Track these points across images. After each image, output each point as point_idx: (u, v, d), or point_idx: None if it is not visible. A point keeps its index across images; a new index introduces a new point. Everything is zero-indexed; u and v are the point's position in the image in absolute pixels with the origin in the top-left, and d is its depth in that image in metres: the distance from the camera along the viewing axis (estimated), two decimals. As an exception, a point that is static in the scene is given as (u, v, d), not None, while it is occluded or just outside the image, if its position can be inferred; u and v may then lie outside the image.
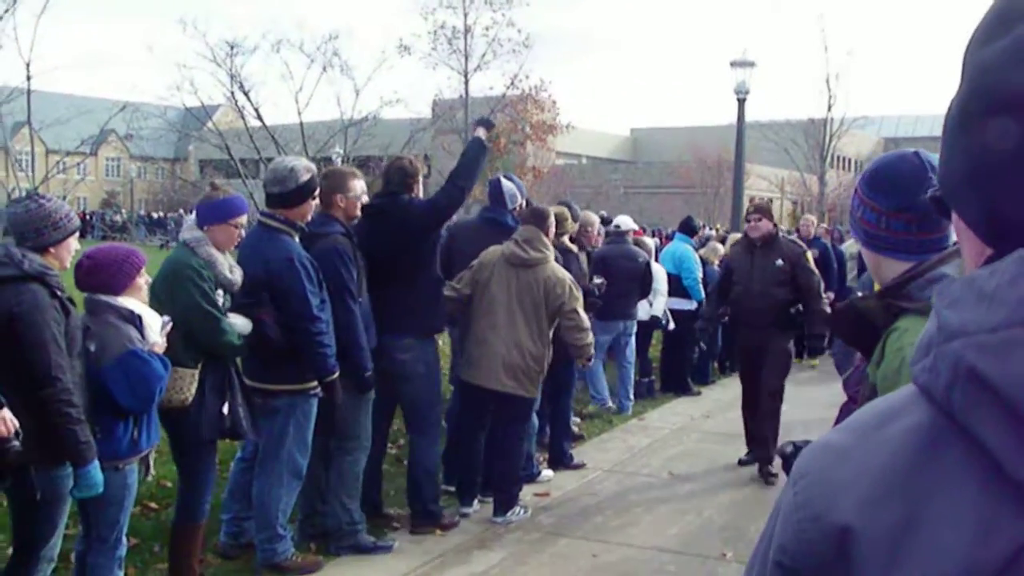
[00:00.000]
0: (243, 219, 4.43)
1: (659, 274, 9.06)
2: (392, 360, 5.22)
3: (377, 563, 5.06)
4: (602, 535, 5.62)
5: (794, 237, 8.60)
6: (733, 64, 18.18)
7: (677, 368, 10.02)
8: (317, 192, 4.76)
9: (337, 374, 4.68)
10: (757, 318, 6.84)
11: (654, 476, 6.93)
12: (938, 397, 0.67)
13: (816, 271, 7.08)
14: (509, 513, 5.74)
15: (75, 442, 3.36)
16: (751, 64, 18.23)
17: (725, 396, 9.69)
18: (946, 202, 0.78)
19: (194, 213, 4.46)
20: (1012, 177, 0.69)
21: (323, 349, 4.59)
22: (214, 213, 4.32)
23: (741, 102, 17.95)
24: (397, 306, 5.18)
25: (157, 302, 4.09)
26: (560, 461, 6.97)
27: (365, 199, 5.13)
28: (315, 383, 4.67)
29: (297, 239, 4.71)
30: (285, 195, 4.65)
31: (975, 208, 0.74)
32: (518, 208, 6.25)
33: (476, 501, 5.87)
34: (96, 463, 3.47)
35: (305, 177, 4.66)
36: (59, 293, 3.45)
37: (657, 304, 9.01)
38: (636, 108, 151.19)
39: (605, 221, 11.04)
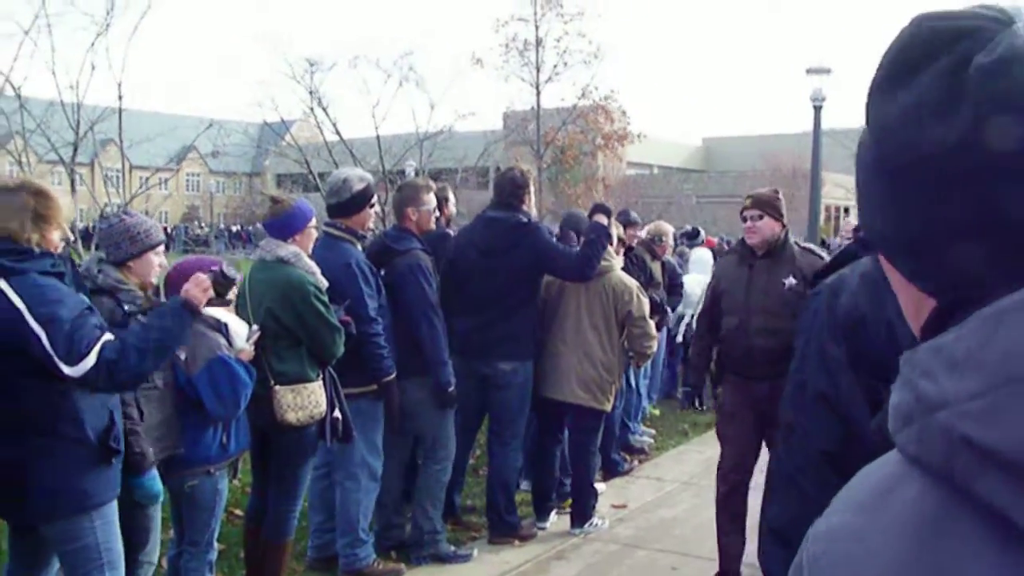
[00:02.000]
0: (315, 220, 4.55)
1: (686, 286, 8.92)
2: (493, 367, 5.31)
3: (456, 572, 5.12)
4: (681, 547, 5.59)
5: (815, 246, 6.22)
6: (809, 71, 17.94)
7: None
8: (373, 200, 4.87)
9: (394, 375, 4.75)
10: (754, 366, 4.62)
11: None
12: (935, 467, 0.63)
13: None
14: (587, 525, 5.75)
15: (130, 452, 3.41)
16: (827, 71, 17.97)
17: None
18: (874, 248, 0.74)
19: (266, 230, 4.48)
20: (956, 239, 0.65)
21: (379, 350, 4.68)
22: (293, 223, 4.39)
23: (817, 109, 17.70)
24: (501, 330, 5.27)
25: (272, 318, 4.18)
26: (611, 471, 6.99)
27: (453, 208, 5.25)
28: (374, 385, 4.76)
29: (359, 247, 4.83)
30: (342, 205, 4.78)
31: (913, 265, 0.72)
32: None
33: (553, 514, 5.88)
34: (152, 473, 3.54)
35: (359, 187, 4.77)
36: (125, 307, 3.54)
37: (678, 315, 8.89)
38: (708, 117, 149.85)
39: (691, 234, 11.03)
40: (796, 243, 4.83)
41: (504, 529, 5.56)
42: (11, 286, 3.01)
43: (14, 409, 3.10)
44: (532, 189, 5.51)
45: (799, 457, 1.34)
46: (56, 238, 3.20)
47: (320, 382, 4.32)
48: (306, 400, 4.22)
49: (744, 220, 4.74)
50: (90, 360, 3.01)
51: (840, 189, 41.54)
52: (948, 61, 0.65)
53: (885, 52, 0.70)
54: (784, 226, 4.76)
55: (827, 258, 5.71)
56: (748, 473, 4.78)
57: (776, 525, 1.37)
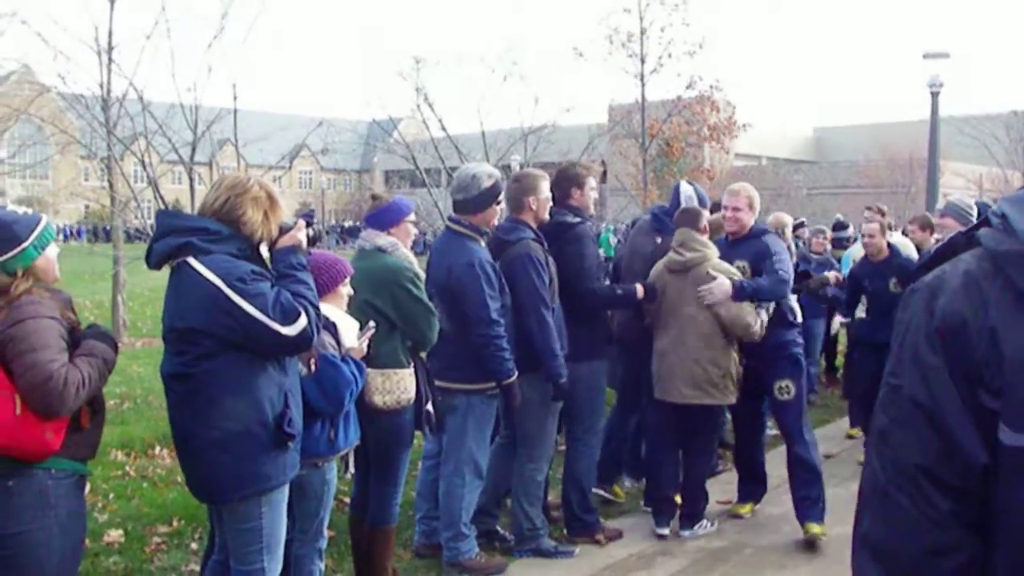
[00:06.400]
0: (413, 215, 4.62)
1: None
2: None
3: (560, 567, 5.14)
4: (789, 546, 5.49)
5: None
6: (926, 56, 17.31)
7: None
8: (501, 197, 4.87)
9: (515, 377, 4.75)
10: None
11: (841, 487, 6.68)
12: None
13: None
14: (696, 527, 5.66)
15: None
16: (945, 56, 17.31)
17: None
18: None
19: (366, 223, 4.64)
20: None
21: (500, 352, 4.67)
22: (391, 216, 4.50)
23: (935, 95, 17.05)
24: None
25: (368, 307, 4.26)
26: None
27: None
28: (493, 384, 4.78)
29: (483, 244, 4.83)
30: (469, 201, 4.80)
31: None
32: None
33: (672, 521, 5.66)
34: None
35: (488, 183, 4.79)
36: None
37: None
38: (820, 106, 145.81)
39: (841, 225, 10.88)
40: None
41: (578, 528, 5.48)
42: (203, 264, 3.21)
43: (197, 395, 3.27)
44: (588, 183, 5.36)
45: (892, 469, 1.28)
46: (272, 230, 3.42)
47: (411, 369, 4.38)
48: (394, 385, 4.29)
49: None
50: (303, 319, 3.23)
51: (959, 178, 39.93)
52: None
53: None
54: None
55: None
56: None
57: (871, 540, 1.31)
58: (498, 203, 4.87)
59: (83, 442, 3.22)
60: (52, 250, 3.25)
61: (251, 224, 3.35)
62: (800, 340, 5.83)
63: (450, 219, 4.95)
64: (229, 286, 3.17)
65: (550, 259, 5.04)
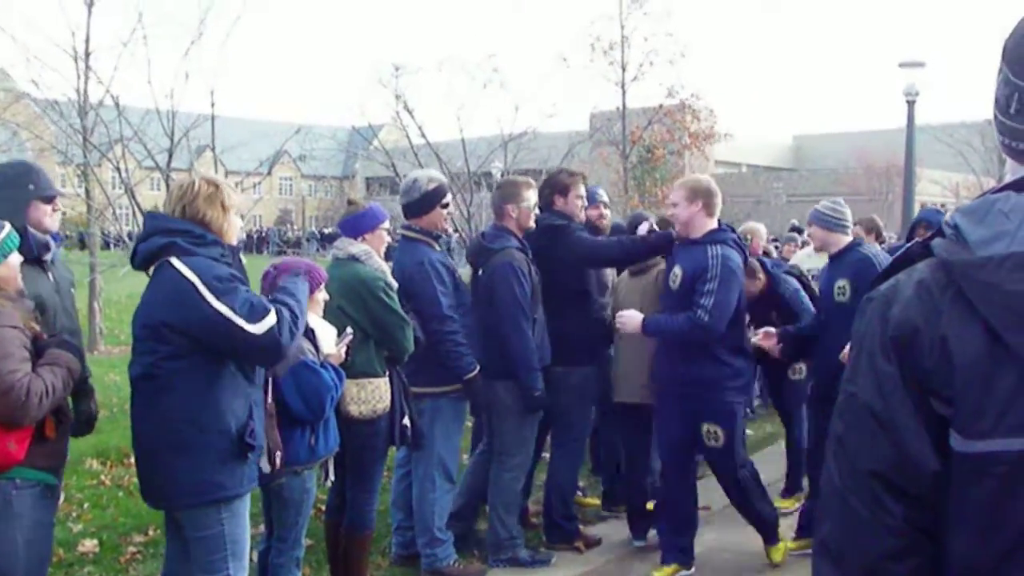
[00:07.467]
0: (388, 223, 4.63)
1: None
2: (550, 371, 5.21)
3: (537, 572, 5.13)
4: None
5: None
6: (902, 65, 17.43)
7: None
8: (445, 200, 4.87)
9: (476, 371, 4.74)
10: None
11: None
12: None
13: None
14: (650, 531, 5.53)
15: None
16: (921, 65, 17.43)
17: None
18: None
19: (340, 229, 4.65)
20: None
21: (457, 348, 4.69)
22: (366, 223, 4.52)
23: (911, 104, 17.18)
24: (550, 333, 5.13)
25: (343, 315, 4.26)
26: None
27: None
28: (458, 386, 4.78)
29: (436, 247, 4.86)
30: (412, 204, 4.84)
31: None
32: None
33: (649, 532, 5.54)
34: None
35: (429, 186, 4.82)
36: None
37: None
38: (799, 114, 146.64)
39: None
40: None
41: (558, 535, 5.45)
42: (184, 263, 3.20)
43: (161, 397, 3.24)
44: (574, 191, 5.27)
45: (848, 475, 1.30)
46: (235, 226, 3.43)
47: (386, 379, 4.38)
48: (369, 395, 4.29)
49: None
50: (271, 318, 3.19)
51: (936, 186, 40.25)
52: None
53: None
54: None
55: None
56: None
57: (829, 544, 1.33)
58: (443, 206, 4.87)
59: (48, 452, 3.19)
60: (14, 258, 3.23)
61: (215, 222, 3.35)
62: (739, 380, 4.92)
63: (403, 227, 4.99)
64: (203, 283, 3.16)
65: (534, 269, 5.03)
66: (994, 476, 1.19)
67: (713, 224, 4.89)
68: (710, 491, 6.34)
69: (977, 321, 1.21)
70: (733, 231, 5.07)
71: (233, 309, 3.15)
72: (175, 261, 3.21)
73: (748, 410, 8.32)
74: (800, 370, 6.13)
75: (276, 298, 3.36)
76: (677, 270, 4.88)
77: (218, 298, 3.15)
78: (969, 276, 1.22)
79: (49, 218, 3.90)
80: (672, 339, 4.89)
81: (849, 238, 5.32)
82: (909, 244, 1.39)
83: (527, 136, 12.68)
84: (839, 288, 5.16)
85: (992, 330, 1.19)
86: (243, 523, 3.44)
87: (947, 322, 1.23)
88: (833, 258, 5.33)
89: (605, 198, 6.11)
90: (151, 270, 3.33)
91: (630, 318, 4.94)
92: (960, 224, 1.26)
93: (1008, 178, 1.32)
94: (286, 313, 3.28)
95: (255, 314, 3.17)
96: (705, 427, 4.87)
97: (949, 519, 1.25)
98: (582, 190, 5.41)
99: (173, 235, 3.28)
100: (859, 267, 5.09)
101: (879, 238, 7.88)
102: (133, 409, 3.38)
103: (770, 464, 6.85)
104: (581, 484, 6.23)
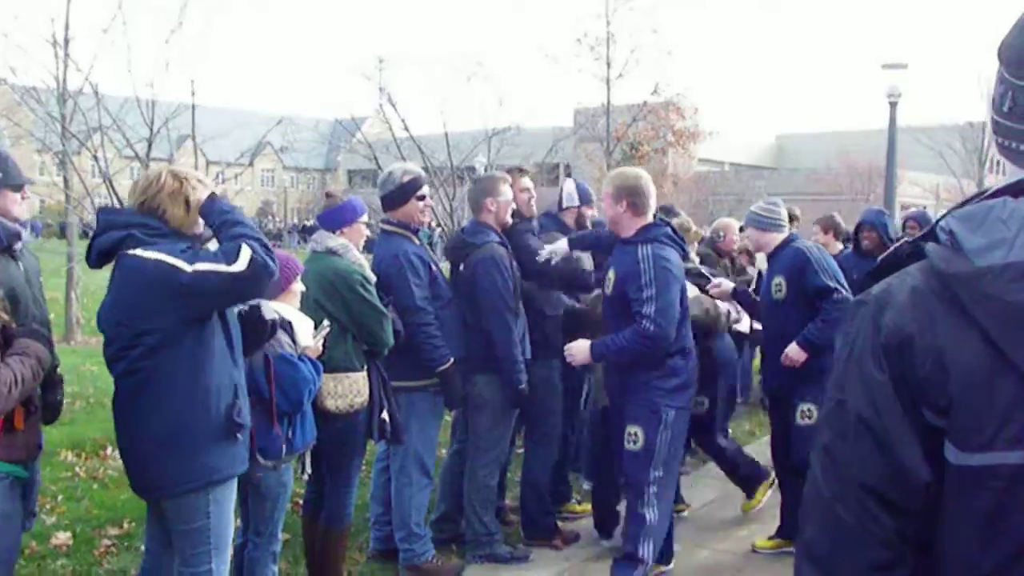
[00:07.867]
0: (366, 217, 4.62)
1: None
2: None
3: (515, 572, 5.10)
4: (744, 548, 5.52)
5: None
6: (885, 66, 17.50)
7: None
8: (421, 192, 4.84)
9: (450, 363, 4.72)
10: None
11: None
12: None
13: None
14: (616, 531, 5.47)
15: None
16: (903, 66, 17.50)
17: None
18: None
19: (318, 222, 4.62)
20: None
21: (431, 339, 4.67)
22: (344, 216, 4.49)
23: (893, 106, 17.25)
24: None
25: (320, 309, 4.23)
26: None
27: (514, 206, 5.16)
28: (434, 380, 4.76)
29: (414, 240, 4.83)
30: (388, 197, 4.83)
31: None
32: (573, 210, 5.82)
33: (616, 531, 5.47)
34: None
35: (404, 179, 4.81)
36: None
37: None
38: (783, 114, 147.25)
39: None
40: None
41: (534, 531, 5.44)
42: (144, 250, 3.15)
43: (147, 390, 3.19)
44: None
45: (836, 485, 1.26)
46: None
47: (364, 373, 4.35)
48: (347, 389, 4.26)
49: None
50: (245, 251, 3.14)
51: (916, 187, 40.50)
52: None
53: None
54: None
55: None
56: None
57: (814, 553, 1.30)
58: (419, 198, 4.84)
59: (17, 443, 3.15)
60: None
61: (175, 219, 3.30)
62: (671, 381, 4.55)
63: (382, 221, 4.98)
64: (172, 256, 3.12)
65: (515, 263, 5.01)
66: (992, 489, 1.17)
67: (643, 221, 4.59)
68: (688, 489, 6.36)
69: (974, 331, 1.18)
70: (668, 224, 4.77)
71: (210, 263, 3.12)
72: (136, 251, 3.16)
73: (740, 400, 8.39)
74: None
75: (233, 233, 3.26)
76: (611, 273, 4.65)
77: (191, 263, 3.11)
78: (968, 287, 1.19)
79: (18, 206, 3.85)
80: (624, 358, 4.54)
81: (784, 236, 5.32)
82: (898, 243, 1.36)
83: (511, 131, 12.66)
84: (776, 285, 5.19)
85: (990, 341, 1.17)
86: (228, 516, 3.41)
87: (943, 332, 1.20)
88: (770, 257, 5.38)
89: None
90: (111, 267, 3.27)
91: (579, 350, 4.68)
92: (956, 231, 1.23)
93: (1004, 181, 1.29)
94: (253, 243, 3.21)
95: (230, 256, 3.14)
96: (627, 428, 4.60)
97: (945, 531, 1.23)
98: (528, 183, 5.43)
99: (130, 228, 3.22)
100: (792, 262, 5.12)
101: (838, 236, 7.89)
102: (117, 405, 3.33)
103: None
104: (576, 496, 6.24)
